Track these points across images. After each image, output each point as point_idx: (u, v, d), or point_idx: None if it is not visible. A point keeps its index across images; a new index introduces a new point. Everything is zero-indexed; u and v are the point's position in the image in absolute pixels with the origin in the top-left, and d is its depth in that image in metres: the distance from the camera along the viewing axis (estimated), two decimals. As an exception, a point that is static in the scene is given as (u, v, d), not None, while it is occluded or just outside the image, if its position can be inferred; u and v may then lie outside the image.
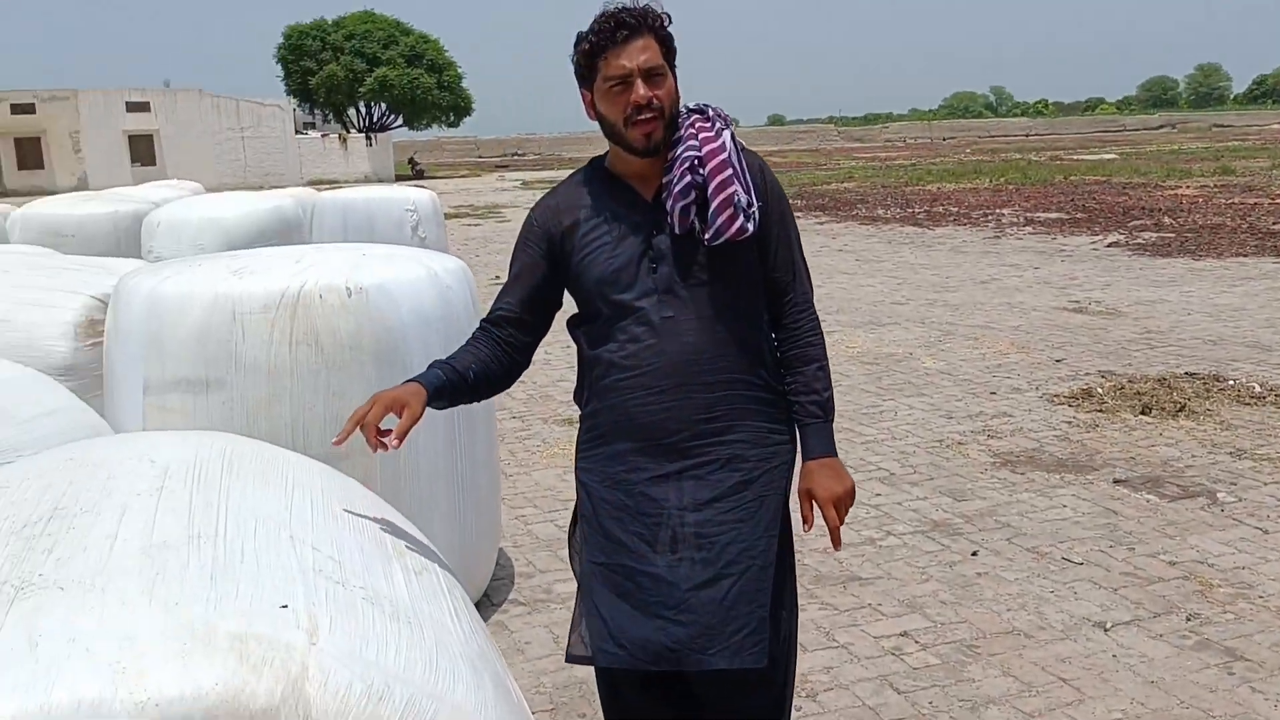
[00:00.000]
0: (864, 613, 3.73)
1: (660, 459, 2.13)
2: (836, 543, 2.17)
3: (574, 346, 2.29)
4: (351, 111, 56.73)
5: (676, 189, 2.08)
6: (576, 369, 2.32)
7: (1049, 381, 6.90)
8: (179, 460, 1.83)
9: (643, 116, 2.05)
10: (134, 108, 47.92)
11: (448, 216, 15.11)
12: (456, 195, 30.89)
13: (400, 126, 56.79)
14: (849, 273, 12.38)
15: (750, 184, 2.11)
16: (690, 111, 2.17)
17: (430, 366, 2.14)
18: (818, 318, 2.27)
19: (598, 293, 2.16)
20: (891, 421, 6.15)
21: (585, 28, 2.10)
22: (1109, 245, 13.78)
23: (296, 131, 52.78)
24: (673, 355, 2.11)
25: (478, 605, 3.84)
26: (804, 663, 3.37)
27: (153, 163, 46.32)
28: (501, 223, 21.47)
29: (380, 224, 10.46)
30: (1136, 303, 9.65)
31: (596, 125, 2.15)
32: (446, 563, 2.05)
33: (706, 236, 2.08)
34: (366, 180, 43.75)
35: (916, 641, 3.50)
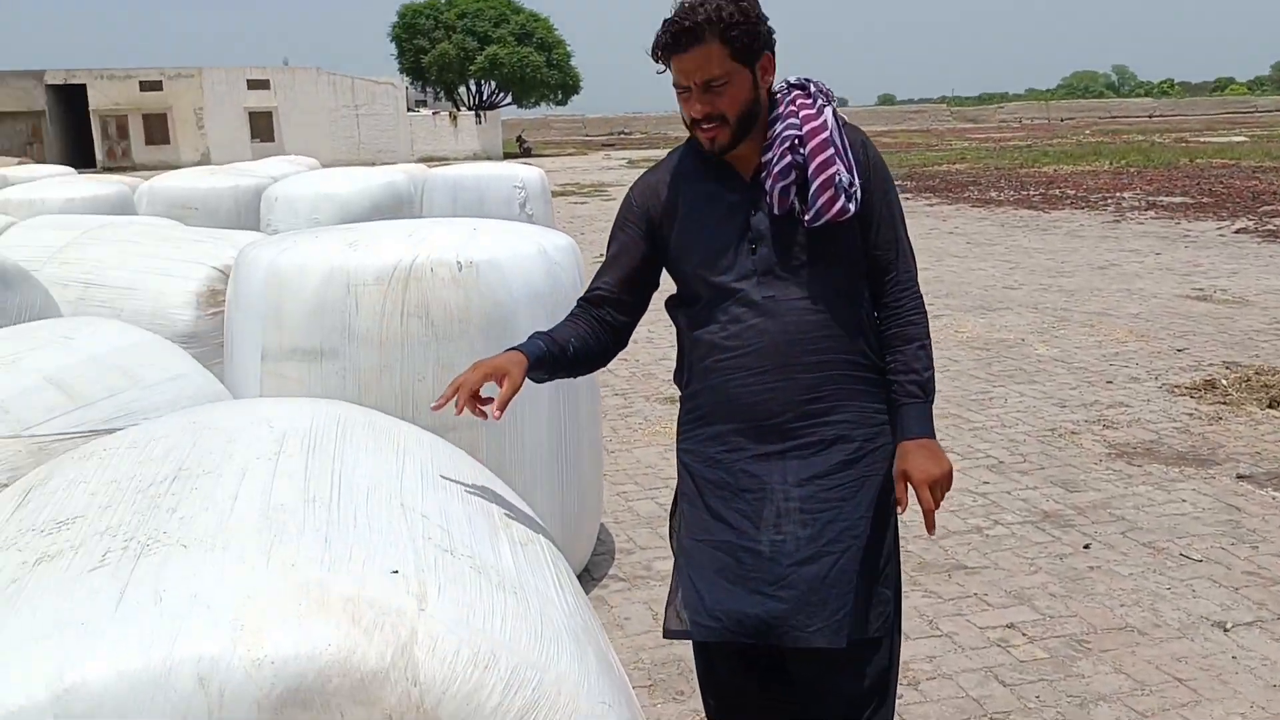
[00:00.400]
0: (969, 602, 3.66)
1: (763, 440, 2.10)
2: (930, 526, 2.11)
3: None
4: (462, 89, 57.49)
5: (776, 169, 2.03)
6: (676, 349, 2.29)
7: (1169, 371, 6.64)
8: (296, 426, 1.87)
9: (704, 126, 2.02)
10: (254, 85, 49.41)
11: (554, 195, 15.23)
12: (563, 173, 31.09)
13: (509, 104, 57.37)
14: (959, 256, 12.10)
15: (852, 162, 2.06)
16: (791, 87, 2.11)
17: (531, 337, 2.14)
18: (921, 296, 2.19)
19: (696, 275, 2.13)
20: (1001, 408, 6.00)
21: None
22: (1237, 231, 13.19)
23: (408, 109, 53.73)
24: (775, 336, 2.07)
25: (579, 579, 3.88)
26: (906, 650, 3.31)
27: (271, 139, 47.72)
28: (607, 201, 21.54)
29: (489, 201, 10.59)
30: (1265, 291, 9.22)
31: None
32: (551, 535, 2.07)
33: (807, 218, 2.03)
34: (475, 157, 44.34)
35: (1024, 634, 3.42)
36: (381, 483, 1.72)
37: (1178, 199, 17.03)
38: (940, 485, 2.10)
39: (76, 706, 1.14)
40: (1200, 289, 9.46)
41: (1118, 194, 18.16)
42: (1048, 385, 6.45)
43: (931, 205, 17.86)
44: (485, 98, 57.09)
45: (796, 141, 2.03)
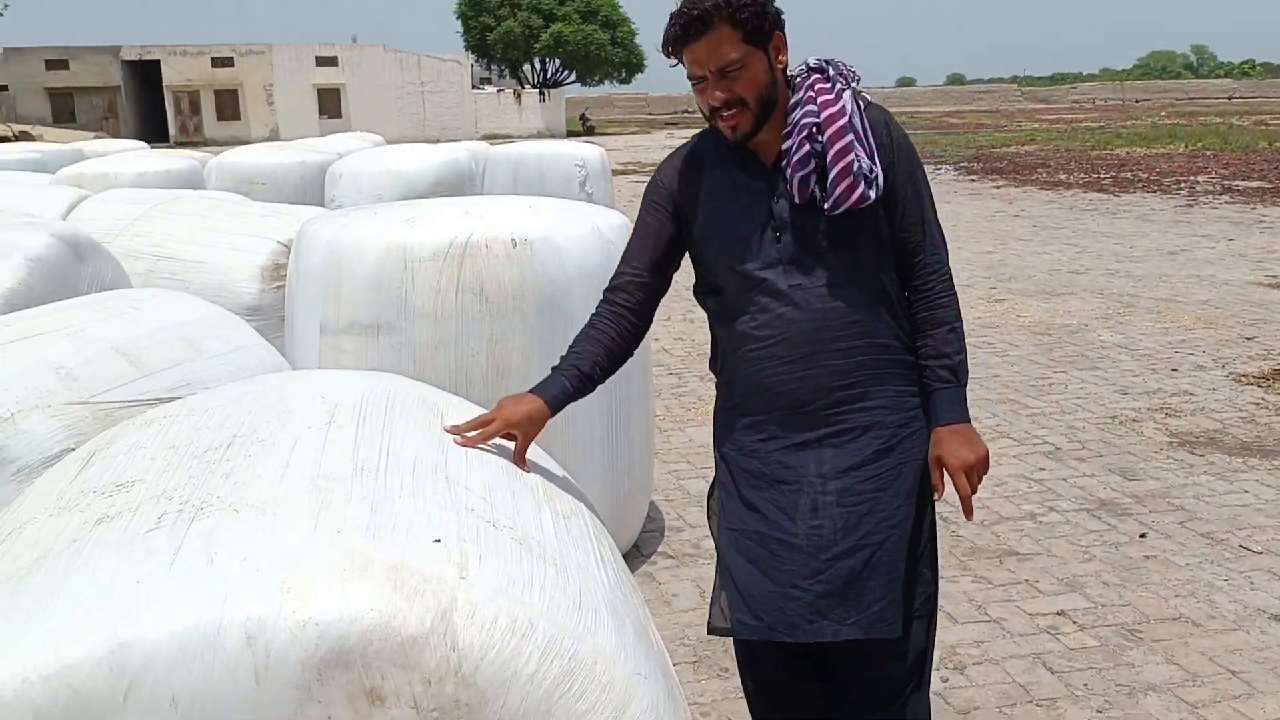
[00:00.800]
0: (1020, 589, 3.63)
1: (798, 428, 2.10)
2: (968, 512, 2.10)
3: None
4: (526, 67, 57.64)
5: (795, 158, 2.02)
6: (710, 336, 2.29)
7: (1237, 360, 6.50)
8: (348, 398, 1.92)
9: (724, 113, 2.00)
10: (323, 62, 50.06)
11: (616, 173, 15.24)
12: (625, 152, 31.10)
13: (573, 82, 57.40)
14: (1024, 239, 11.91)
15: (873, 146, 2.03)
16: (810, 70, 2.08)
17: (556, 371, 2.13)
18: (951, 278, 2.16)
19: (721, 263, 2.12)
20: (1061, 395, 5.92)
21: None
22: (1315, 217, 12.82)
23: (473, 87, 54.03)
24: (804, 324, 2.06)
25: (627, 556, 3.91)
26: (953, 635, 3.31)
27: (339, 115, 48.34)
28: (669, 180, 21.48)
29: (550, 178, 10.64)
30: (1343, 280, 8.97)
31: None
32: (596, 510, 2.10)
33: (826, 206, 2.02)
34: (539, 135, 44.50)
35: (1074, 622, 3.39)
36: (428, 455, 1.76)
37: (1254, 183, 16.58)
38: (976, 470, 2.08)
39: (130, 660, 1.19)
40: (1273, 276, 9.22)
41: (1192, 178, 17.72)
42: (1110, 372, 6.34)
43: (998, 187, 17.56)
44: (549, 75, 57.19)
45: (814, 129, 2.01)
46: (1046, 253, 10.93)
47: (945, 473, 2.09)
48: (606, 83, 57.79)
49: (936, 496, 2.13)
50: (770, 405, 2.11)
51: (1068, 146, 26.16)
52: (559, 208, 3.82)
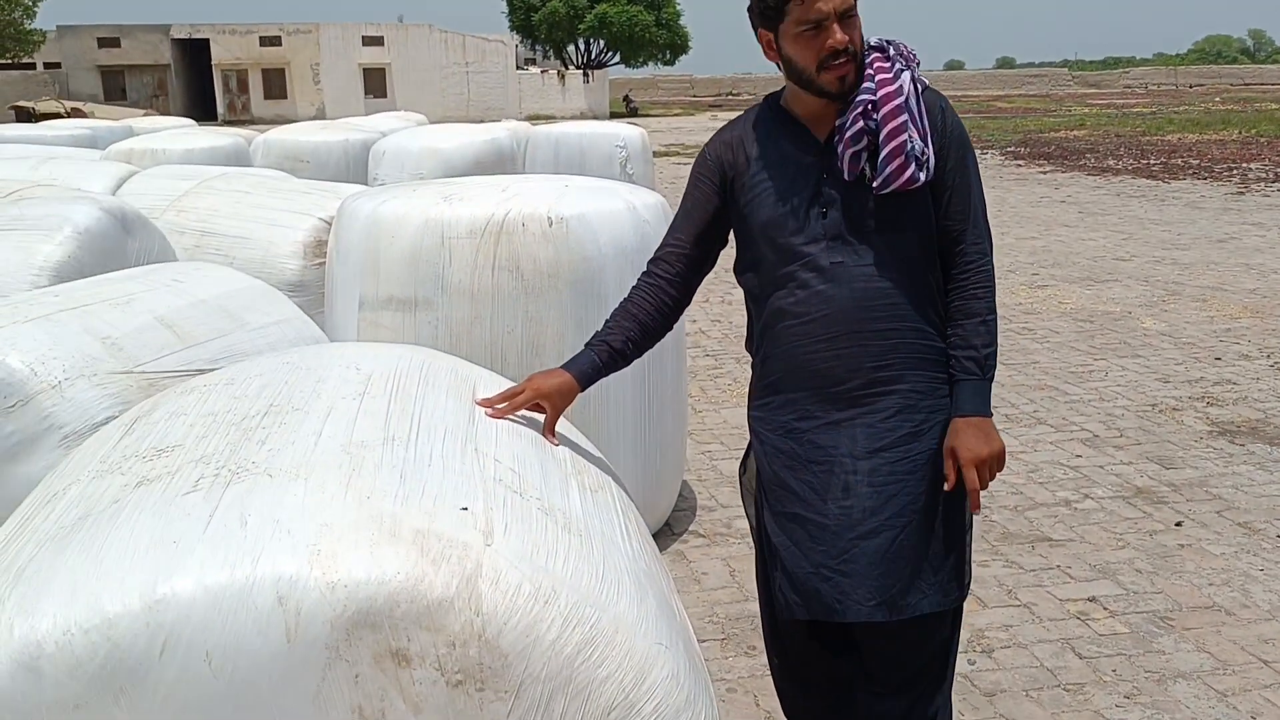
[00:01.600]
0: (1051, 574, 3.62)
1: (831, 407, 2.10)
2: (975, 505, 2.08)
3: None
4: (570, 48, 57.61)
5: (849, 134, 2.01)
6: (746, 316, 2.30)
7: (1283, 350, 6.40)
8: (381, 370, 1.96)
9: (838, 61, 1.98)
10: (369, 41, 50.30)
11: (658, 155, 15.23)
12: (668, 134, 31.00)
13: (617, 64, 57.30)
14: (1070, 225, 11.76)
15: (927, 129, 2.03)
16: (871, 49, 2.07)
17: (588, 346, 2.16)
18: (991, 271, 2.14)
19: (764, 236, 2.12)
20: (1101, 382, 5.86)
21: None
22: (1371, 206, 12.55)
23: (517, 67, 54.09)
24: (843, 302, 2.06)
25: (659, 534, 3.95)
26: (981, 618, 3.31)
27: (384, 95, 48.59)
28: (711, 162, 21.39)
29: (591, 159, 10.65)
30: (1396, 270, 8.78)
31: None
32: (624, 485, 2.13)
33: (875, 184, 2.02)
34: (582, 116, 44.46)
35: (1105, 608, 3.38)
36: (459, 426, 1.79)
37: (1309, 171, 16.23)
38: (987, 465, 2.07)
39: (167, 616, 1.24)
40: (1325, 265, 9.05)
41: (1244, 165, 17.37)
42: (1152, 360, 6.27)
43: (1045, 173, 17.33)
44: (593, 57, 57.11)
45: (870, 106, 2.00)
46: (1092, 239, 10.79)
47: (957, 464, 2.08)
48: (651, 64, 57.63)
49: (947, 487, 2.10)
50: (806, 383, 2.12)
51: (1118, 131, 25.75)
52: (595, 187, 3.84)
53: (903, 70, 2.04)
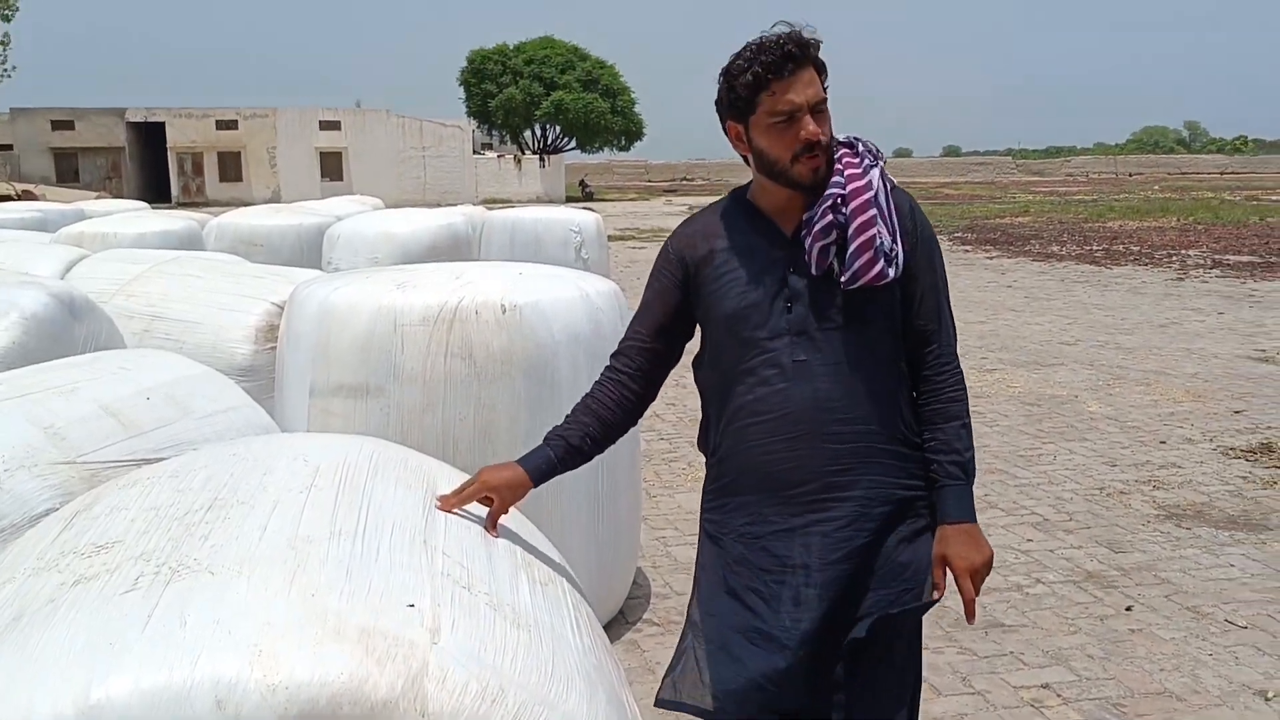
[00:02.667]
0: (1004, 660, 3.62)
1: (787, 511, 2.06)
2: (971, 616, 2.05)
3: None
4: (527, 133, 58.40)
5: (817, 228, 1.99)
6: (701, 414, 2.27)
7: (1225, 433, 6.53)
8: (330, 461, 1.94)
9: (812, 153, 1.97)
10: (326, 126, 50.73)
11: (613, 239, 15.39)
12: (624, 218, 31.36)
13: (573, 149, 58.13)
14: (1016, 310, 12.00)
15: (896, 227, 2.01)
16: (839, 145, 2.06)
17: (546, 441, 2.13)
18: (960, 371, 2.13)
19: (727, 329, 2.08)
20: (1049, 465, 5.93)
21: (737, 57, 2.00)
22: (1305, 292, 12.93)
23: (474, 152, 54.68)
24: (802, 401, 2.02)
25: (612, 623, 3.90)
26: (937, 706, 3.29)
27: (340, 178, 48.86)
28: (665, 246, 21.62)
29: (546, 243, 10.74)
30: (1331, 354, 9.03)
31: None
32: (574, 576, 2.11)
33: (843, 279, 1.99)
34: (539, 200, 44.91)
35: (1059, 695, 3.38)
36: (407, 519, 1.77)
37: (1245, 257, 16.74)
38: (980, 574, 2.04)
39: (100, 721, 1.20)
40: (1262, 350, 9.28)
41: (1183, 251, 17.90)
42: (1099, 443, 6.37)
43: (991, 258, 17.72)
44: (550, 142, 57.92)
45: (839, 200, 1.98)
46: (1038, 323, 11.01)
47: (949, 572, 2.05)
48: (606, 149, 58.55)
49: (937, 595, 2.06)
50: (761, 485, 2.08)
51: (1061, 218, 26.44)
52: (549, 274, 3.87)
53: (871, 166, 2.03)
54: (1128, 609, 4.01)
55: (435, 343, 3.34)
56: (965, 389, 2.12)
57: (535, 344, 3.41)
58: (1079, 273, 15.62)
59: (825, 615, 2.04)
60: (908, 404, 2.11)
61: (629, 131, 56.76)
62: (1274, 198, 33.94)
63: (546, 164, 53.56)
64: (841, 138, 2.08)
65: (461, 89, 57.72)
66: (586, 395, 2.21)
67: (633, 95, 56.83)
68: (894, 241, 2.00)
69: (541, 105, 54.44)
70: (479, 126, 59.03)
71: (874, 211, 1.99)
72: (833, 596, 2.04)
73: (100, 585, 1.44)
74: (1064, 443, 6.40)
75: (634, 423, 2.24)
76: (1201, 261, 16.41)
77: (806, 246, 2.01)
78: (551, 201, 43.59)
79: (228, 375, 3.92)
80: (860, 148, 2.06)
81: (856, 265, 1.98)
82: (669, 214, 34.23)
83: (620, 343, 2.24)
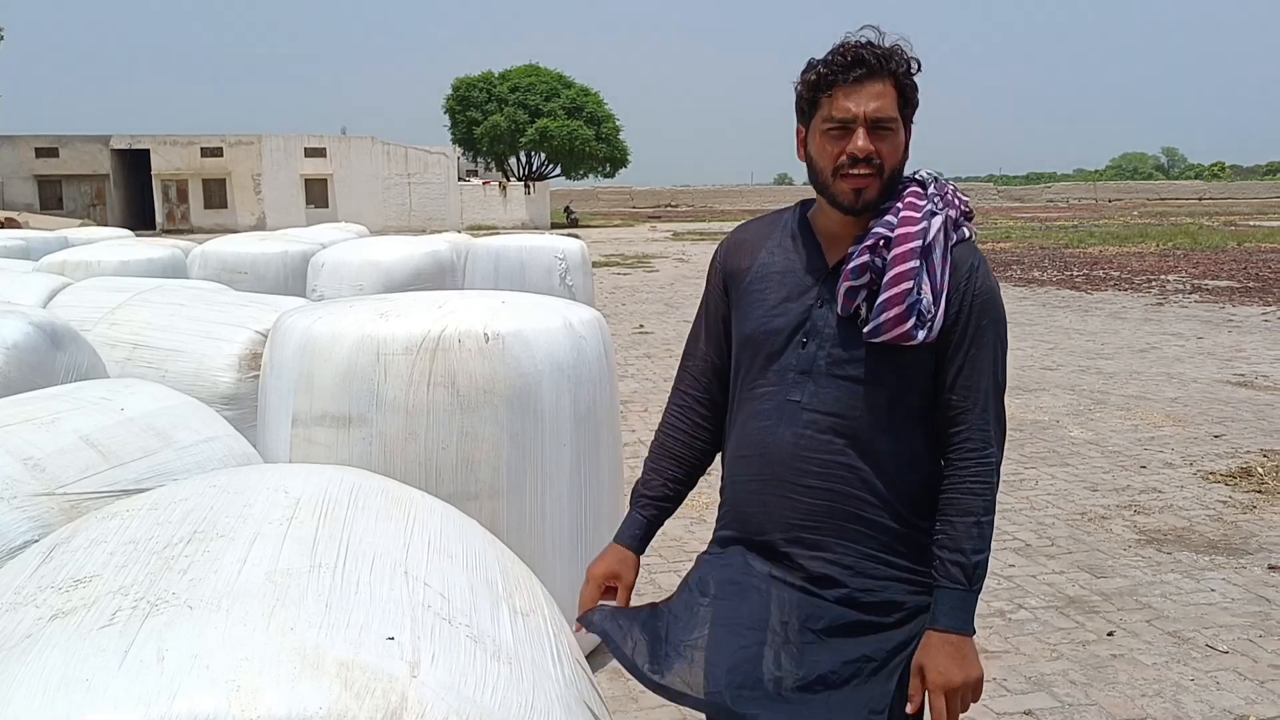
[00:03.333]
0: (988, 687, 3.62)
1: (760, 558, 1.93)
2: None
3: None
4: (512, 160, 58.61)
5: (850, 266, 1.82)
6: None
7: (1205, 458, 6.57)
8: (310, 493, 1.94)
9: (857, 170, 1.80)
10: (311, 153, 50.74)
11: (598, 265, 15.42)
12: (608, 244, 31.43)
13: (558, 176, 58.36)
14: (999, 335, 12.06)
15: (945, 285, 1.81)
16: (910, 180, 1.89)
17: (633, 503, 2.10)
18: (995, 464, 1.86)
19: (743, 349, 1.96)
20: (1031, 491, 5.96)
21: (817, 59, 1.85)
22: (1283, 317, 13.05)
23: (459, 179, 54.80)
24: (782, 444, 1.87)
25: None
26: (920, 734, 3.29)
27: (325, 205, 48.87)
28: (650, 273, 21.72)
29: (530, 270, 10.76)
30: (1309, 379, 9.11)
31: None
32: (556, 607, 2.11)
33: (866, 329, 1.81)
34: (523, 227, 45.05)
35: (1041, 722, 3.38)
36: (388, 551, 1.77)
37: (1223, 283, 16.90)
38: (959, 695, 1.78)
39: (77, 759, 1.20)
40: (1241, 375, 9.36)
41: (1162, 276, 18.05)
42: (1080, 468, 6.40)
43: (973, 283, 17.80)
44: (535, 169, 58.13)
45: (882, 242, 1.81)
46: (1019, 349, 11.07)
47: (925, 687, 1.81)
48: (591, 176, 58.78)
49: (910, 709, 1.83)
50: (737, 525, 1.98)
51: (1042, 244, 26.64)
52: (532, 303, 3.88)
53: (934, 213, 1.84)
54: (1109, 634, 4.03)
55: (418, 372, 3.35)
56: (993, 486, 1.87)
57: (518, 373, 3.42)
58: (1060, 298, 15.73)
59: (807, 683, 1.86)
60: (918, 483, 1.89)
61: (614, 158, 57.02)
62: (1251, 223, 34.29)
63: (532, 190, 53.71)
64: (921, 174, 1.92)
65: (447, 116, 57.97)
66: (660, 430, 2.12)
67: (617, 122, 57.17)
68: (934, 303, 1.80)
69: (526, 132, 54.68)
70: (464, 153, 59.22)
71: (915, 263, 1.80)
72: (813, 664, 1.85)
73: (77, 620, 1.44)
74: (1046, 468, 6.43)
75: (717, 445, 2.10)
76: (1181, 286, 16.56)
77: (838, 283, 1.87)
78: (537, 228, 43.70)
79: (210, 403, 3.92)
80: (931, 189, 1.88)
81: (882, 318, 1.80)
82: (653, 240, 34.32)
83: (681, 364, 2.14)
